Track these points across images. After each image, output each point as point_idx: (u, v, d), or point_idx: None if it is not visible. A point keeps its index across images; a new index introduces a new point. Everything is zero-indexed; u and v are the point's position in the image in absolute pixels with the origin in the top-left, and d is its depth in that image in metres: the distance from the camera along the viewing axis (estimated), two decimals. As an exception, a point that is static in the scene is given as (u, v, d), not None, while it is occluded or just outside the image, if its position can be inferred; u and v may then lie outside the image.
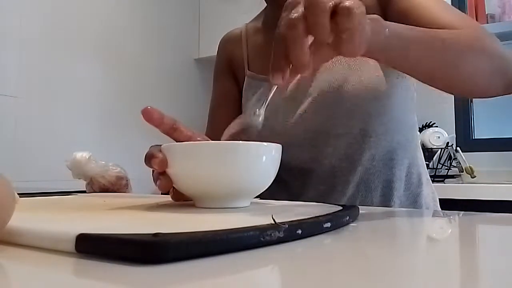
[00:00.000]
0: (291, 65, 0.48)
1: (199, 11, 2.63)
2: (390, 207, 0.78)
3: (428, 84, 0.68)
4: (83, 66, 2.03)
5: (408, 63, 0.60)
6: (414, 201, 0.81)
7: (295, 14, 0.46)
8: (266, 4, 0.90)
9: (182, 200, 0.54)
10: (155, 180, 0.51)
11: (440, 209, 0.86)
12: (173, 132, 0.53)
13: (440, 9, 0.70)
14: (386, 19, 0.76)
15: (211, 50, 0.99)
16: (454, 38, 0.62)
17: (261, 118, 0.55)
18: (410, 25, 0.71)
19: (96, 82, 2.08)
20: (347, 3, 0.45)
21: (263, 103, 0.55)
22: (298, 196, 0.81)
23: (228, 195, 0.49)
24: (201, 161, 0.47)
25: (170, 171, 0.49)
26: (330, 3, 0.44)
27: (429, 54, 0.59)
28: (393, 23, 0.58)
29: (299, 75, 0.49)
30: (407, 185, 0.81)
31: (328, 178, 0.79)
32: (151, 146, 0.52)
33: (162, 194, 0.57)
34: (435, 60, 0.60)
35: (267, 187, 0.51)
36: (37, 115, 1.83)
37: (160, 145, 0.50)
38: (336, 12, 0.45)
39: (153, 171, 0.51)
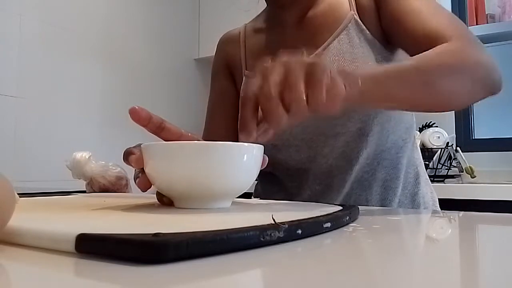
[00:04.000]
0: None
1: (199, 11, 2.63)
2: (388, 206, 0.79)
3: (409, 111, 0.74)
4: (83, 65, 2.03)
5: (386, 103, 0.63)
6: (412, 200, 0.82)
7: (271, 85, 0.46)
8: (266, 5, 0.91)
9: (167, 202, 0.53)
10: (134, 178, 0.52)
11: (439, 209, 0.86)
12: (161, 132, 0.53)
13: (429, 14, 0.71)
14: (380, 20, 0.77)
15: (211, 50, 0.99)
16: (432, 63, 0.63)
17: None
18: (399, 29, 0.73)
19: (96, 82, 2.08)
20: (318, 70, 0.47)
21: None
22: (295, 196, 0.81)
23: (205, 196, 0.48)
24: (175, 162, 0.47)
25: (146, 170, 0.49)
26: (302, 73, 0.46)
27: (406, 90, 0.61)
28: (366, 70, 0.61)
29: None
30: (404, 184, 0.81)
31: (324, 177, 0.79)
32: (137, 144, 0.52)
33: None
34: (413, 93, 0.62)
35: (247, 188, 0.51)
36: (37, 115, 1.83)
37: (141, 144, 0.51)
38: (309, 78, 0.47)
39: (135, 170, 0.52)
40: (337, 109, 0.49)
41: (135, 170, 0.53)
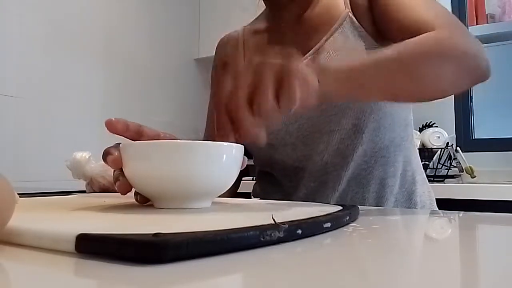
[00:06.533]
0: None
1: (199, 11, 2.63)
2: (384, 204, 0.79)
3: (393, 101, 0.73)
4: (82, 65, 2.03)
5: (365, 94, 0.62)
6: (408, 199, 0.82)
7: (240, 94, 0.48)
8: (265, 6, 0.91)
9: (147, 203, 0.53)
10: (114, 182, 0.51)
11: (437, 208, 0.86)
12: (140, 137, 0.53)
13: (417, 5, 0.70)
14: (373, 16, 0.77)
15: (211, 50, 0.99)
16: (415, 50, 0.62)
17: None
18: (387, 19, 0.73)
19: (95, 81, 2.08)
20: (288, 72, 0.48)
21: None
22: (291, 194, 0.81)
23: (184, 195, 0.48)
24: (153, 161, 0.46)
25: (125, 170, 0.49)
26: (271, 76, 0.48)
27: (385, 80, 0.60)
28: (341, 62, 0.60)
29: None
30: (401, 183, 0.81)
31: (320, 175, 0.79)
32: (116, 144, 0.51)
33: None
34: (394, 82, 0.61)
35: (228, 187, 0.50)
36: (37, 115, 1.83)
37: (120, 143, 0.50)
38: (279, 80, 0.48)
39: (114, 171, 0.51)
40: (309, 106, 0.50)
41: (114, 172, 0.52)
